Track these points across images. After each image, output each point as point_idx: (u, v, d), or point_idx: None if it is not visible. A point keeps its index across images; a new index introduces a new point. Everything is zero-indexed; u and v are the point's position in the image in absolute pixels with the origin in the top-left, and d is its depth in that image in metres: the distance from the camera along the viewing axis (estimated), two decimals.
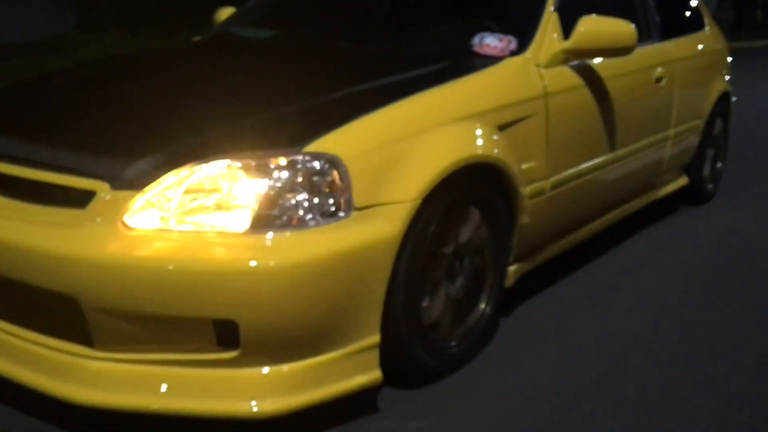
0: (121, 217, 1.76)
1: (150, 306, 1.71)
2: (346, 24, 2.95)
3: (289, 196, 1.77)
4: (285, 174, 1.77)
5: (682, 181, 3.89)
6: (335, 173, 1.80)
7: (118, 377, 1.78)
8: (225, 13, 3.43)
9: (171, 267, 1.69)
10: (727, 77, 4.18)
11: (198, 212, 1.77)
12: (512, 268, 2.46)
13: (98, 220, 1.76)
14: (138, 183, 1.77)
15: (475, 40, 2.54)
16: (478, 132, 2.15)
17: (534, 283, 2.74)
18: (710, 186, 4.18)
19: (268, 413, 1.76)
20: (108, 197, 1.77)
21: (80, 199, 1.80)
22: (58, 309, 1.81)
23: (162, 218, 1.77)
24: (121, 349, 1.77)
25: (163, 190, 1.77)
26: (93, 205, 1.78)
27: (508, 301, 2.55)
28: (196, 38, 3.28)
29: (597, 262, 3.12)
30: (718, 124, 4.12)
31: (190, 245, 1.72)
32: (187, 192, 1.78)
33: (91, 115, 2.11)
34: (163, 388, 1.76)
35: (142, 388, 1.77)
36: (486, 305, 2.31)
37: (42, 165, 1.88)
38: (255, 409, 1.75)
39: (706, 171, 4.08)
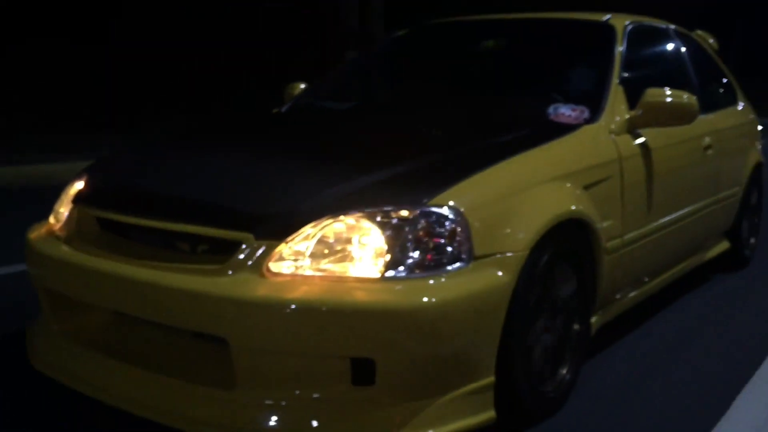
0: (266, 265, 1.93)
1: (294, 344, 1.86)
2: (422, 97, 3.19)
3: (416, 245, 1.94)
4: (412, 226, 1.95)
5: (725, 245, 4.08)
6: (457, 224, 1.98)
7: (255, 414, 1.91)
8: (297, 88, 3.69)
9: (316, 308, 1.85)
10: (759, 148, 4.43)
11: (332, 260, 1.95)
12: (593, 320, 2.62)
13: (245, 267, 1.94)
14: (280, 234, 1.95)
15: (550, 109, 2.77)
16: (572, 190, 2.35)
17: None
18: (748, 251, 4.37)
19: None
20: (253, 246, 1.95)
21: (227, 248, 1.97)
22: (201, 351, 1.97)
23: (300, 266, 1.94)
24: (262, 387, 1.91)
25: (302, 240, 1.95)
26: (239, 254, 1.95)
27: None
28: (275, 110, 3.53)
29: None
30: (754, 192, 4.35)
31: (331, 289, 1.89)
32: (322, 242, 1.96)
33: (222, 173, 2.32)
34: (297, 424, 1.90)
35: (276, 424, 1.90)
36: (575, 354, 2.45)
37: (187, 218, 2.07)
38: None
39: (745, 236, 4.28)
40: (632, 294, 3.00)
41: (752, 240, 4.42)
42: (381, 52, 3.76)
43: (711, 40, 4.33)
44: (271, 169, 2.31)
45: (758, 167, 4.34)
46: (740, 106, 4.27)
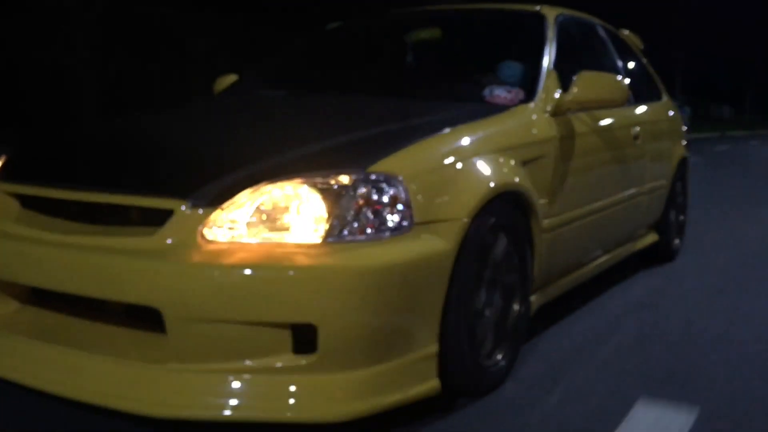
0: (200, 232, 1.86)
1: (233, 312, 1.78)
2: (361, 83, 3.17)
3: (356, 211, 1.90)
4: (351, 191, 1.91)
5: (654, 237, 4.18)
6: (396, 190, 1.95)
7: (193, 388, 1.82)
8: (227, 80, 3.61)
9: (254, 273, 1.78)
10: (684, 144, 4.57)
11: (270, 227, 1.89)
12: (533, 299, 2.62)
13: (178, 235, 1.85)
14: (215, 201, 1.88)
15: (486, 91, 2.79)
16: (511, 164, 2.36)
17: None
18: (676, 244, 4.49)
19: (338, 418, 1.83)
20: (187, 214, 1.87)
21: (158, 217, 1.89)
22: (134, 324, 1.87)
23: (237, 234, 1.87)
24: (198, 360, 1.82)
25: (239, 207, 1.88)
26: (172, 222, 1.87)
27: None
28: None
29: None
30: (679, 186, 4.48)
31: (269, 254, 1.83)
32: (259, 208, 1.89)
33: (152, 146, 2.23)
34: (237, 397, 1.82)
35: (216, 397, 1.81)
36: (517, 328, 2.44)
37: (117, 189, 1.98)
38: (327, 415, 1.82)
39: (672, 230, 4.39)
40: (569, 277, 3.02)
41: (677, 241, 4.52)
42: (316, 44, 3.72)
43: (641, 46, 4.47)
44: (204, 141, 2.24)
45: (683, 162, 4.47)
46: (665, 103, 4.40)
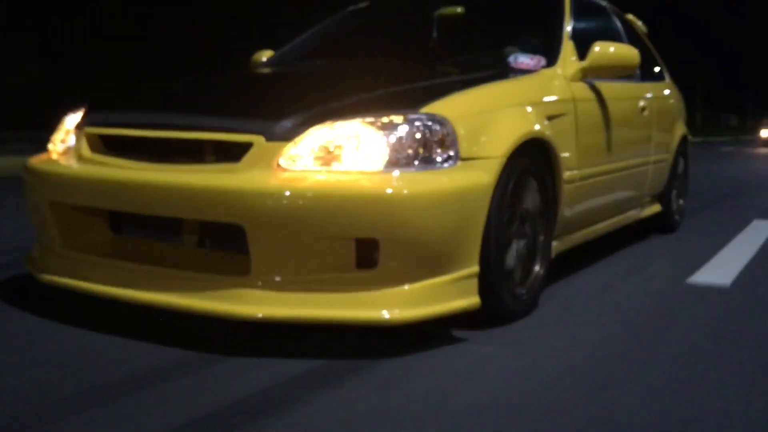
0: (276, 162, 2.14)
1: (306, 228, 2.06)
2: (395, 53, 3.45)
3: (409, 145, 2.19)
4: (405, 128, 2.20)
5: (657, 207, 4.47)
6: (444, 129, 2.24)
7: (274, 296, 2.11)
8: (264, 55, 3.89)
9: (326, 194, 2.07)
10: (684, 122, 4.88)
11: (337, 159, 2.17)
12: (554, 244, 2.91)
13: (257, 165, 2.14)
14: (288, 136, 2.17)
15: (511, 58, 3.08)
16: (539, 117, 2.66)
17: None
18: (677, 217, 4.78)
19: (395, 321, 2.12)
20: (264, 146, 2.16)
21: (236, 152, 2.18)
22: (221, 240, 2.15)
23: (307, 164, 2.16)
24: (275, 272, 2.11)
25: (309, 142, 2.17)
26: (251, 154, 2.16)
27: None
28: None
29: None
30: (681, 162, 4.78)
31: (337, 179, 2.12)
32: (326, 142, 2.18)
33: (226, 93, 2.53)
34: (311, 303, 2.10)
35: (295, 303, 2.10)
36: (541, 266, 2.73)
37: (198, 126, 2.26)
38: (386, 317, 2.11)
39: (674, 202, 4.69)
40: (584, 231, 3.31)
41: (677, 217, 4.79)
42: (345, 22, 4.00)
43: (645, 32, 4.78)
44: (269, 91, 2.53)
45: (684, 139, 4.77)
46: (668, 83, 4.71)
